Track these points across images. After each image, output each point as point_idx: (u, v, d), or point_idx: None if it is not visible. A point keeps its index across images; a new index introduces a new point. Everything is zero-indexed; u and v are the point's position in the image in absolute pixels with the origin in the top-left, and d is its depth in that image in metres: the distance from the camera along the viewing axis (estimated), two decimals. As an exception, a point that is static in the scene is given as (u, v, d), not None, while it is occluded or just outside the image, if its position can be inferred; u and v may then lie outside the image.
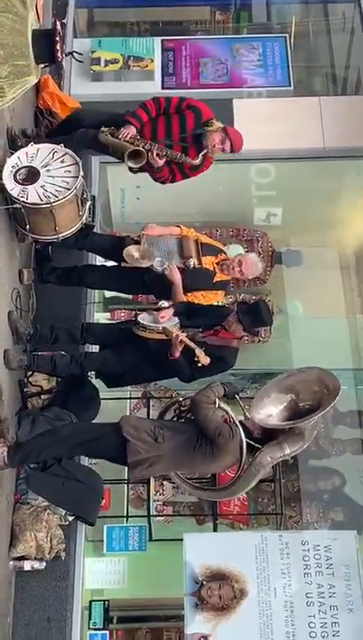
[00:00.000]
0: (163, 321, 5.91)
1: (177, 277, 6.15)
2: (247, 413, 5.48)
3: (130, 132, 6.11)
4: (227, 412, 5.33)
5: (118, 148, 6.16)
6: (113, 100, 7.94)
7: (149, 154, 6.09)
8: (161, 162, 6.14)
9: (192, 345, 5.58)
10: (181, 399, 5.71)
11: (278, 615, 5.91)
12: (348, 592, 6.00)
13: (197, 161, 6.14)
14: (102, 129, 6.23)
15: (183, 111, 6.24)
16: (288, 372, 5.53)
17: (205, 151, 6.14)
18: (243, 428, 5.30)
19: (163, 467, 5.52)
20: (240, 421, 5.35)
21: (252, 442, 5.29)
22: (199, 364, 5.51)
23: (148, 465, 5.37)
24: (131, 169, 6.40)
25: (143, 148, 6.08)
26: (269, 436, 5.33)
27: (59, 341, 6.20)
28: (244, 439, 5.26)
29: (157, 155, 6.09)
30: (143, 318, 5.97)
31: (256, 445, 5.30)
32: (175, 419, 5.71)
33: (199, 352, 5.52)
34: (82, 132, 6.35)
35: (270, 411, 5.27)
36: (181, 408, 5.66)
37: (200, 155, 6.14)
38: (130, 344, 6.05)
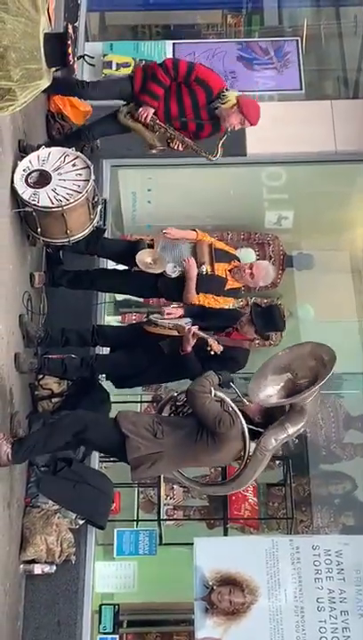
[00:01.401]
0: (168, 317, 5.93)
1: (194, 272, 6.15)
2: (245, 400, 5.41)
3: (149, 112, 6.12)
4: (224, 400, 5.25)
5: (137, 134, 6.21)
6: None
7: (170, 142, 6.12)
8: (182, 148, 6.16)
9: (204, 335, 5.61)
10: (175, 394, 5.64)
11: (288, 620, 5.89)
12: (359, 597, 5.97)
13: (216, 157, 6.15)
14: (121, 108, 6.24)
15: (192, 85, 6.18)
16: (281, 351, 5.45)
17: (220, 143, 6.16)
18: (242, 416, 5.24)
19: (166, 463, 5.39)
20: (239, 409, 5.29)
21: (253, 427, 5.24)
22: (212, 353, 5.51)
23: (150, 464, 5.27)
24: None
25: (162, 132, 6.10)
26: (269, 419, 5.23)
27: (69, 344, 6.22)
28: (245, 425, 5.18)
29: (178, 144, 6.13)
30: (156, 316, 6.00)
31: (259, 430, 5.23)
32: (172, 415, 5.68)
33: (212, 341, 5.58)
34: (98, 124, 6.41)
35: (269, 391, 5.20)
36: (177, 403, 5.60)
37: (219, 151, 6.15)
38: (140, 345, 6.05)
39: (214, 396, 5.22)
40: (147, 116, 6.12)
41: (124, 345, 6.20)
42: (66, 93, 6.70)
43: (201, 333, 5.67)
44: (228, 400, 5.25)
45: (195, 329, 5.69)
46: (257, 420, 5.27)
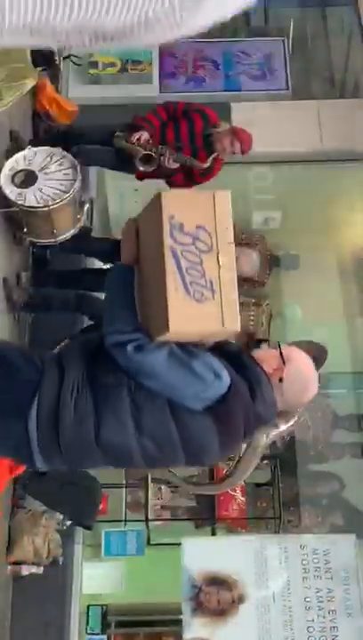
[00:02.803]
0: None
1: None
2: None
3: (143, 135, 6.10)
4: None
5: (131, 153, 6.16)
6: (111, 104, 7.93)
7: (162, 157, 6.06)
8: (175, 165, 6.10)
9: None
10: None
11: (276, 620, 5.89)
12: (347, 596, 5.98)
13: (207, 164, 6.11)
14: (117, 133, 6.22)
15: (190, 113, 6.21)
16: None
17: (215, 154, 6.11)
18: None
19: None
20: None
21: None
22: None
23: None
24: (139, 175, 6.40)
25: (155, 152, 6.06)
26: None
27: (51, 310, 6.18)
28: None
29: (169, 160, 6.07)
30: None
31: None
32: None
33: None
34: (94, 152, 6.35)
35: None
36: None
37: (210, 158, 6.11)
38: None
39: None
40: (141, 137, 6.08)
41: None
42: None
43: None
44: None
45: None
46: None
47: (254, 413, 3.01)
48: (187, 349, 2.92)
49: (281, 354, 3.13)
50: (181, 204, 2.88)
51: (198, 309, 2.81)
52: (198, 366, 2.89)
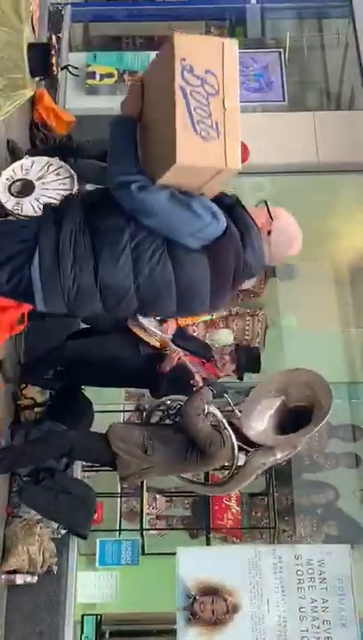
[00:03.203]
0: (169, 332, 5.89)
1: None
2: (237, 412, 5.45)
3: None
4: (217, 417, 5.30)
5: None
6: (108, 114, 7.93)
7: None
8: None
9: (193, 369, 5.56)
10: (168, 402, 5.66)
11: (271, 630, 5.88)
12: (341, 606, 5.98)
13: None
14: None
15: None
16: (275, 375, 5.49)
17: None
18: (233, 429, 5.28)
19: (153, 475, 5.64)
20: (230, 422, 5.33)
21: (243, 445, 5.27)
22: (194, 388, 5.48)
23: (138, 476, 5.45)
24: None
25: None
26: None
27: (46, 315, 6.13)
28: (235, 443, 5.23)
29: None
30: (143, 317, 5.90)
31: (248, 449, 5.28)
32: (162, 420, 5.71)
33: (199, 377, 5.50)
34: (90, 169, 6.38)
35: (262, 420, 5.22)
36: (169, 412, 5.62)
37: None
38: (119, 337, 5.96)
39: (207, 412, 5.25)
40: None
41: (103, 326, 6.09)
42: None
43: (188, 363, 5.61)
44: (220, 417, 5.29)
45: (182, 354, 5.65)
46: (247, 437, 5.29)
47: (244, 261, 3.28)
48: (186, 192, 3.15)
49: (269, 211, 3.52)
50: (192, 48, 3.03)
51: (204, 146, 2.98)
52: (198, 206, 3.14)
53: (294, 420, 5.13)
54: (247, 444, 5.28)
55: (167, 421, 5.67)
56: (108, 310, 3.37)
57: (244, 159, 6.17)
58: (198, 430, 5.19)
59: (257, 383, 7.27)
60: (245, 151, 6.19)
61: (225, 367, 5.96)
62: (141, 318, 5.82)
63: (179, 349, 5.67)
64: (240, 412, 5.34)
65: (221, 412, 5.43)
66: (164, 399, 5.72)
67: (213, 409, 5.31)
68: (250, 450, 5.26)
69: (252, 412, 5.22)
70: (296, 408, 5.16)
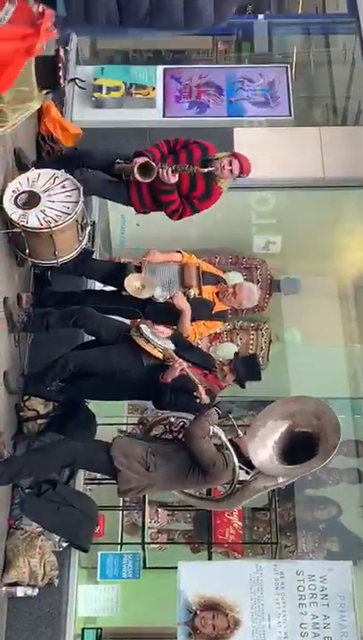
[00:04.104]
0: (161, 335, 5.90)
1: (187, 306, 6.12)
2: (240, 432, 5.47)
3: (142, 160, 6.14)
4: (220, 438, 5.32)
5: (128, 170, 6.22)
6: (114, 127, 7.98)
7: (161, 170, 6.10)
8: (173, 179, 6.13)
9: (196, 380, 5.56)
10: (172, 419, 5.67)
11: (272, 646, 5.86)
12: (342, 623, 5.95)
13: (207, 170, 6.14)
14: (118, 160, 6.29)
15: (189, 146, 6.31)
16: (285, 399, 5.53)
17: (213, 168, 6.15)
18: (235, 448, 5.29)
19: (154, 491, 5.70)
20: (231, 440, 5.33)
21: (244, 467, 5.28)
22: (198, 401, 5.49)
23: (138, 491, 5.45)
24: (138, 209, 6.46)
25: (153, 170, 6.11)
26: None
27: (50, 327, 6.16)
28: (237, 465, 5.25)
29: (168, 171, 6.09)
30: (146, 328, 5.90)
31: (249, 470, 5.29)
32: (163, 434, 5.72)
33: (202, 390, 5.50)
34: (93, 180, 6.39)
35: (267, 446, 5.24)
36: (172, 428, 5.63)
37: (207, 168, 6.14)
38: (122, 347, 5.98)
39: (212, 432, 5.26)
40: (140, 162, 6.13)
41: (106, 338, 6.10)
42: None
43: (191, 375, 5.61)
44: (224, 438, 5.30)
45: (186, 366, 5.66)
46: (248, 456, 5.29)
47: None
48: None
49: None
50: None
51: None
52: None
53: (299, 444, 5.15)
54: (248, 463, 5.29)
55: (168, 436, 5.68)
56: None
57: (246, 171, 6.23)
58: (203, 452, 5.21)
59: (261, 396, 7.34)
60: (247, 162, 6.23)
61: (226, 378, 5.96)
62: (144, 328, 5.84)
63: (180, 360, 5.68)
64: (245, 433, 5.38)
65: (223, 427, 5.45)
66: (168, 414, 5.73)
67: (218, 430, 5.33)
68: (250, 471, 5.28)
69: (257, 435, 5.23)
70: (302, 433, 5.18)
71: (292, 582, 6.08)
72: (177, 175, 6.13)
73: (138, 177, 6.15)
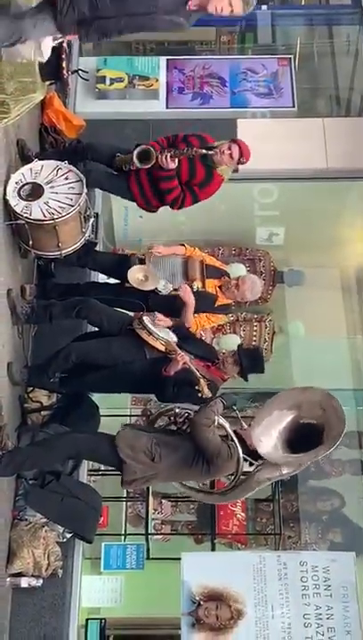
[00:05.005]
0: (162, 325, 5.89)
1: (192, 299, 6.12)
2: (244, 424, 5.48)
3: (141, 148, 6.17)
4: (225, 429, 5.32)
5: (129, 160, 6.23)
6: (117, 119, 7.97)
7: (160, 155, 6.11)
8: (172, 164, 6.14)
9: (197, 374, 5.56)
10: (177, 410, 5.67)
11: (275, 636, 5.87)
12: (346, 614, 5.96)
13: (206, 151, 6.15)
14: (117, 154, 6.31)
15: (188, 138, 6.34)
16: (290, 389, 5.53)
17: (212, 152, 6.17)
18: (239, 440, 5.29)
19: (158, 481, 5.68)
20: (236, 432, 5.34)
21: (249, 458, 5.29)
22: (199, 395, 5.49)
23: (143, 481, 5.47)
24: (140, 204, 6.47)
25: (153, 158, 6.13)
26: None
27: (53, 318, 6.17)
28: (241, 456, 5.25)
29: (166, 156, 6.10)
30: (148, 320, 5.88)
31: (253, 462, 5.30)
32: (167, 426, 5.73)
33: (204, 383, 5.50)
34: (95, 173, 6.40)
35: (272, 435, 5.24)
36: (177, 419, 5.63)
37: (208, 149, 6.16)
38: (124, 340, 5.97)
39: (217, 423, 5.26)
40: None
41: (109, 330, 6.10)
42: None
43: (193, 368, 5.61)
44: (228, 429, 5.30)
45: (188, 359, 5.66)
46: (253, 448, 5.30)
47: None
48: None
49: None
50: None
51: None
52: None
53: (304, 435, 5.15)
54: (252, 454, 5.30)
55: (173, 427, 5.69)
56: None
57: (245, 156, 6.23)
58: (208, 441, 5.22)
59: (264, 388, 7.35)
60: (246, 148, 6.24)
61: (229, 370, 5.96)
62: (146, 321, 5.83)
63: (182, 353, 5.68)
64: (249, 425, 5.38)
65: (227, 417, 5.46)
66: (173, 406, 5.73)
67: (223, 421, 5.33)
68: (254, 462, 5.29)
69: (261, 424, 5.23)
70: (307, 424, 5.18)
71: (295, 573, 6.09)
72: (176, 161, 6.14)
73: (137, 163, 6.16)
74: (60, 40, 5.75)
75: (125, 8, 4.91)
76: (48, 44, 5.61)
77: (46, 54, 5.64)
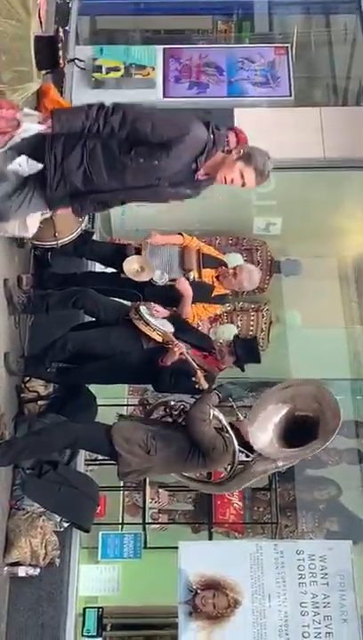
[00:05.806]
0: (159, 315, 5.90)
1: (189, 291, 6.12)
2: (240, 416, 5.49)
3: None
4: (221, 422, 5.33)
5: None
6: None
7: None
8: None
9: (194, 364, 5.56)
10: (172, 402, 5.68)
11: (272, 625, 5.89)
12: (342, 602, 5.98)
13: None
14: None
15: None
16: (285, 382, 5.54)
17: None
18: (235, 432, 5.30)
19: (154, 473, 5.77)
20: (231, 424, 5.35)
21: (244, 450, 5.30)
22: (196, 386, 5.49)
23: (138, 474, 5.49)
24: None
25: None
26: None
27: (50, 308, 6.16)
28: (237, 448, 5.26)
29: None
30: (145, 310, 5.89)
31: (249, 454, 5.31)
32: (163, 417, 5.74)
33: (200, 375, 5.50)
34: None
35: (267, 429, 5.25)
36: (173, 411, 5.64)
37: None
38: (122, 329, 5.98)
39: (212, 416, 5.27)
40: None
41: (105, 319, 6.10)
42: None
43: (190, 358, 5.61)
44: (224, 421, 5.30)
45: (185, 350, 5.66)
46: (249, 439, 5.30)
47: None
48: None
49: None
50: None
51: None
52: None
53: (299, 427, 5.16)
54: (248, 446, 5.31)
55: (168, 419, 5.70)
56: None
57: (242, 142, 6.20)
58: (203, 435, 5.23)
59: (262, 377, 7.36)
60: (242, 133, 6.22)
61: (225, 359, 5.97)
62: (143, 311, 5.83)
63: (179, 343, 5.68)
64: (245, 416, 5.39)
65: (223, 409, 5.47)
66: (168, 398, 5.74)
67: (218, 413, 5.34)
68: (251, 454, 5.30)
69: (257, 418, 5.24)
70: (302, 417, 5.19)
71: (292, 562, 6.10)
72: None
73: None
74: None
75: (124, 181, 4.45)
76: (35, 219, 5.26)
77: (32, 230, 5.25)
